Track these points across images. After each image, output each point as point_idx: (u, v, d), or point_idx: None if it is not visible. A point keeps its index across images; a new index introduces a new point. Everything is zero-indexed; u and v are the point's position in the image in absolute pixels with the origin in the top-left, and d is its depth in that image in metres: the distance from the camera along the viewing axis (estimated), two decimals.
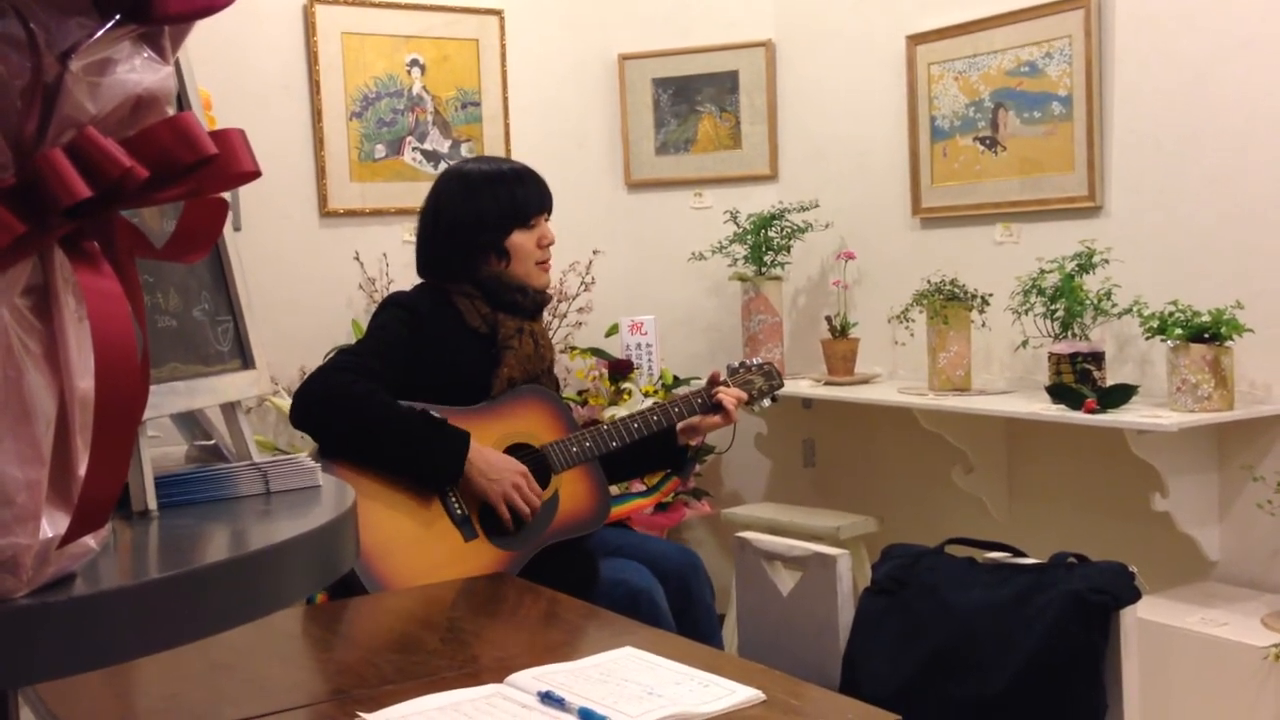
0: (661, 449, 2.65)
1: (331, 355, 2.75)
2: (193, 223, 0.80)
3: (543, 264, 2.58)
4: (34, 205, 0.68)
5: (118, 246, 0.75)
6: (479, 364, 2.46)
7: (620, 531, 2.75)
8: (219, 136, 0.75)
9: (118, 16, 0.72)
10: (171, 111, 0.76)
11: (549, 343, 2.61)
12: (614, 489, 2.93)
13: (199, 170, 0.74)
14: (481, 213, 2.51)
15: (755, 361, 2.79)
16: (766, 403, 2.78)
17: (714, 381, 2.67)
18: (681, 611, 2.45)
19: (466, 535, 2.33)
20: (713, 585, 2.59)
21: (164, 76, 0.75)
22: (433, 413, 2.34)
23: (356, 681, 1.56)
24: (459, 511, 2.34)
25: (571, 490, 2.47)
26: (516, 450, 2.44)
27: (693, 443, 2.71)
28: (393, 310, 2.47)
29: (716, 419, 2.62)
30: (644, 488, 3.63)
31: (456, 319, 2.47)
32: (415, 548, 2.28)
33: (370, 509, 2.25)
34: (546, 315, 3.90)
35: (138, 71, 0.73)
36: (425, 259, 2.58)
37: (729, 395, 2.62)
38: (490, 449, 2.37)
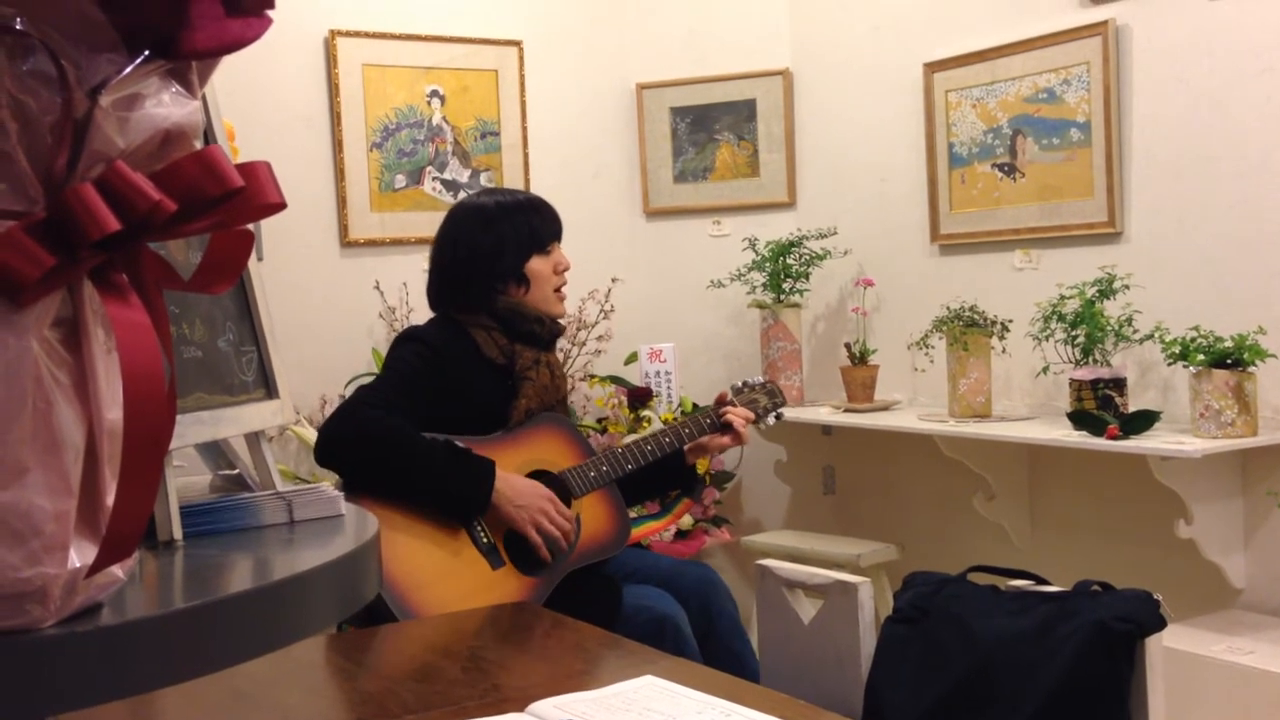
0: (672, 470, 2.69)
1: (351, 392, 2.77)
2: (219, 254, 0.81)
3: (559, 291, 2.62)
4: (64, 238, 0.69)
5: (146, 278, 0.75)
6: (496, 395, 2.48)
7: (637, 553, 2.77)
8: (245, 169, 0.76)
9: (146, 52, 0.73)
10: (199, 145, 0.77)
11: (564, 374, 2.66)
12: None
13: (226, 203, 0.75)
14: (501, 241, 2.55)
15: (758, 380, 2.84)
16: (772, 420, 2.81)
17: (721, 402, 2.71)
18: (706, 630, 2.47)
19: (494, 564, 2.35)
20: (734, 599, 2.61)
21: (192, 111, 0.76)
22: (456, 443, 2.35)
23: (378, 711, 1.56)
24: (485, 540, 2.36)
25: (592, 514, 2.50)
26: (536, 477, 2.46)
27: (700, 461, 2.75)
28: (410, 345, 2.49)
29: (726, 439, 2.67)
30: (657, 509, 3.65)
31: (474, 351, 2.49)
32: (444, 578, 2.30)
33: (398, 541, 2.28)
34: (565, 343, 3.95)
35: (166, 106, 0.74)
36: (440, 292, 2.61)
37: (737, 415, 2.66)
38: (515, 475, 2.38)
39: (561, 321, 2.67)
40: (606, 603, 2.39)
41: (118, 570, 0.78)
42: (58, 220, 0.69)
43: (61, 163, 0.70)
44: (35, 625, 0.73)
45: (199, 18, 0.74)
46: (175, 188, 0.72)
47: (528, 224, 2.57)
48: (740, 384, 2.80)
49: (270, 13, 0.78)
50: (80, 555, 0.74)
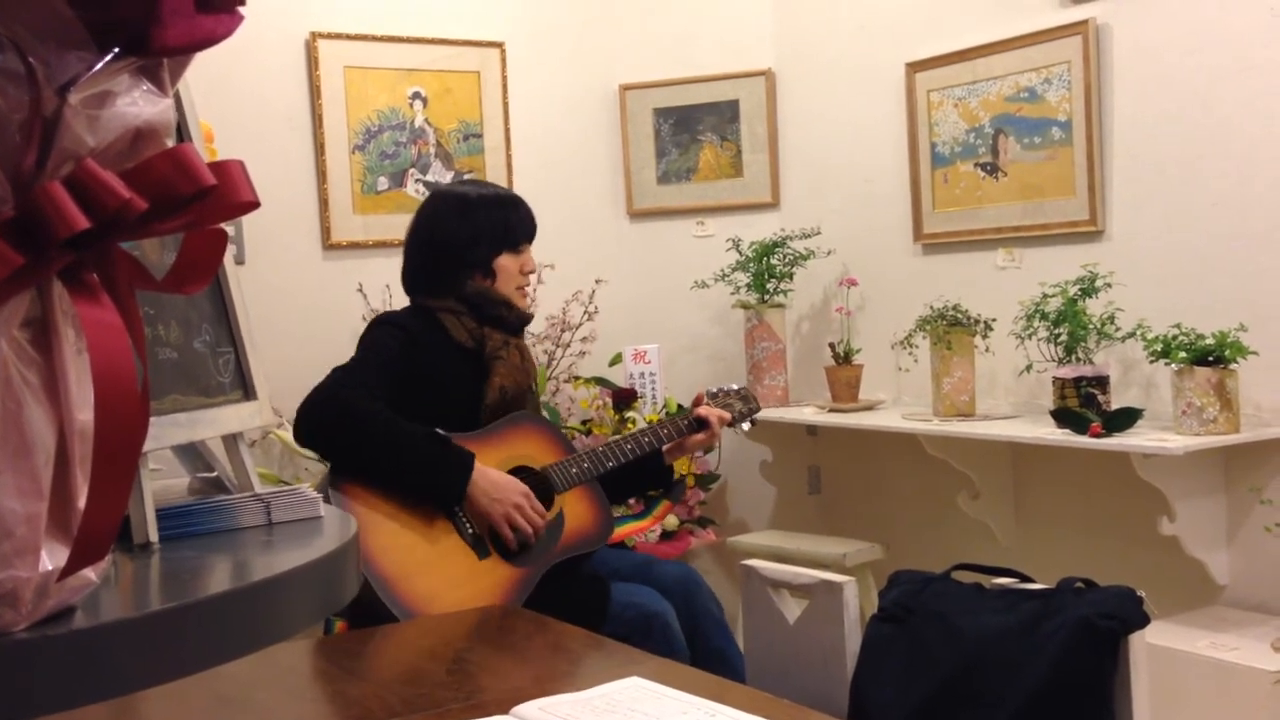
0: (650, 470, 2.74)
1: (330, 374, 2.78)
2: (192, 254, 0.80)
3: (522, 289, 2.68)
4: (33, 237, 0.68)
5: (117, 278, 0.75)
6: (468, 381, 2.52)
7: (619, 553, 2.82)
8: (218, 168, 0.75)
9: (116, 49, 0.72)
10: (171, 143, 0.76)
11: (533, 361, 2.71)
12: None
13: (198, 201, 0.75)
14: (476, 232, 2.60)
15: (733, 386, 2.93)
16: (746, 425, 2.92)
17: (697, 403, 2.79)
18: (691, 628, 2.49)
19: (480, 554, 2.39)
20: (717, 597, 2.64)
21: (163, 109, 0.75)
22: (438, 431, 2.38)
23: (362, 714, 1.55)
24: (470, 531, 2.39)
25: (575, 509, 2.54)
26: (518, 473, 2.49)
27: (680, 462, 2.80)
28: (384, 328, 2.54)
29: (701, 436, 2.73)
30: (640, 510, 3.67)
31: (444, 337, 2.54)
32: (432, 569, 2.32)
33: (385, 534, 2.30)
34: (550, 344, 3.96)
35: (137, 104, 0.74)
36: (415, 276, 2.67)
37: (711, 412, 2.74)
38: (493, 469, 2.40)
39: (529, 311, 2.73)
40: (595, 600, 2.42)
41: (90, 573, 0.77)
42: (26, 219, 0.68)
43: (30, 161, 0.69)
44: (7, 629, 0.72)
45: (170, 14, 0.73)
46: (146, 186, 0.72)
47: (504, 220, 2.63)
48: (716, 389, 2.89)
49: (242, 10, 0.77)
50: (52, 558, 0.73)
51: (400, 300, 3.75)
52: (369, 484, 2.34)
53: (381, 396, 2.38)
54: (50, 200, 0.68)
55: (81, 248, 0.71)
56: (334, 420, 2.34)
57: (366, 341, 2.53)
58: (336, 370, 2.47)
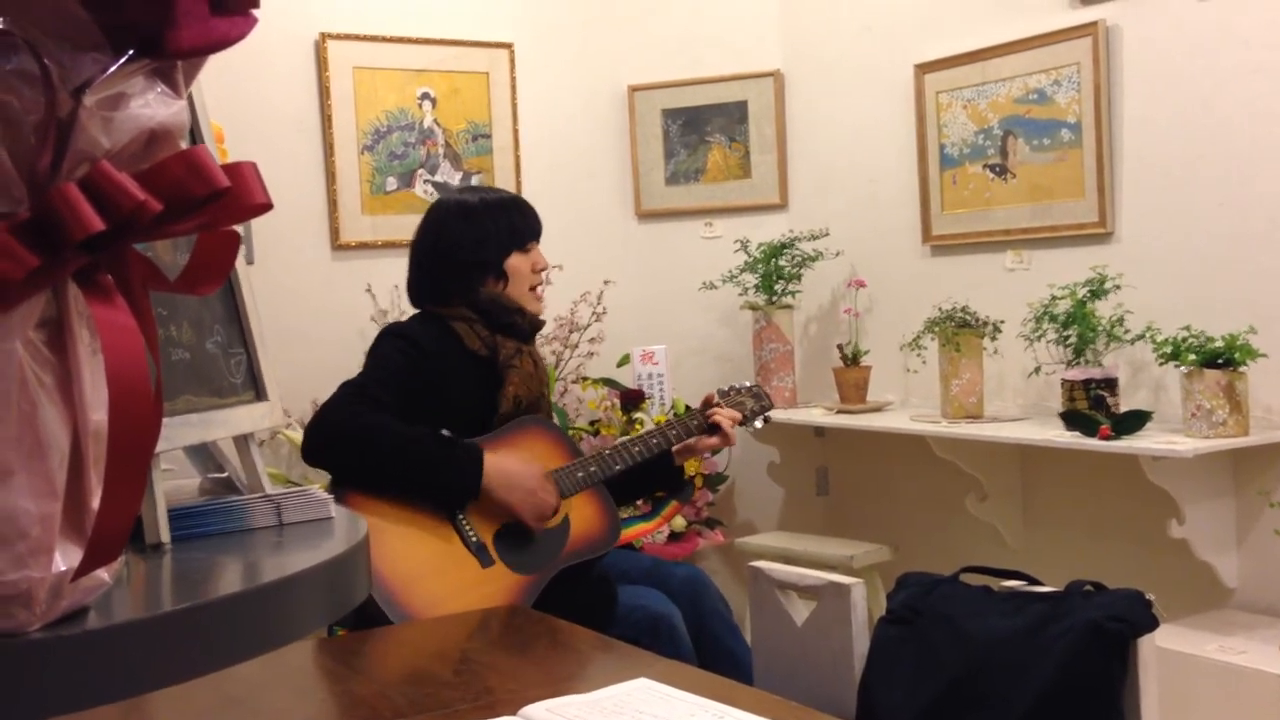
0: (660, 471, 2.71)
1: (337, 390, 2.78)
2: (205, 255, 0.80)
3: (535, 289, 2.66)
4: (48, 239, 0.68)
5: (131, 279, 0.75)
6: (481, 389, 2.51)
7: (626, 554, 2.80)
8: (231, 169, 0.76)
9: (131, 51, 0.72)
10: (184, 145, 0.76)
11: (545, 367, 2.70)
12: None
13: (212, 203, 0.75)
14: (482, 237, 2.59)
15: (745, 384, 2.88)
16: (759, 424, 2.85)
17: (708, 404, 2.73)
18: (697, 628, 2.49)
19: (484, 562, 2.37)
20: (724, 597, 2.64)
21: (177, 111, 0.76)
22: (443, 433, 2.38)
23: (369, 715, 1.55)
24: (474, 539, 2.38)
25: (581, 514, 2.52)
26: None
27: (689, 463, 2.80)
28: (392, 340, 2.52)
29: (715, 440, 2.69)
30: (647, 510, 3.66)
31: (456, 345, 2.52)
32: (436, 578, 2.31)
33: (388, 543, 2.29)
34: (558, 345, 3.97)
35: (151, 106, 0.74)
36: (421, 287, 2.65)
37: (725, 416, 2.68)
38: (503, 457, 2.39)
39: (541, 317, 2.71)
40: (602, 603, 2.41)
41: (103, 574, 0.77)
42: (42, 220, 0.68)
43: (45, 163, 0.69)
44: (21, 629, 0.72)
45: (184, 16, 0.73)
46: (160, 188, 0.72)
47: (510, 221, 2.63)
48: (727, 388, 2.84)
49: (256, 12, 0.77)
50: (65, 559, 0.73)
51: (409, 299, 3.77)
52: (370, 493, 2.33)
53: (390, 408, 2.37)
54: (65, 202, 0.68)
55: (96, 249, 0.71)
56: (339, 439, 2.34)
57: (375, 354, 2.52)
58: (344, 385, 2.47)
